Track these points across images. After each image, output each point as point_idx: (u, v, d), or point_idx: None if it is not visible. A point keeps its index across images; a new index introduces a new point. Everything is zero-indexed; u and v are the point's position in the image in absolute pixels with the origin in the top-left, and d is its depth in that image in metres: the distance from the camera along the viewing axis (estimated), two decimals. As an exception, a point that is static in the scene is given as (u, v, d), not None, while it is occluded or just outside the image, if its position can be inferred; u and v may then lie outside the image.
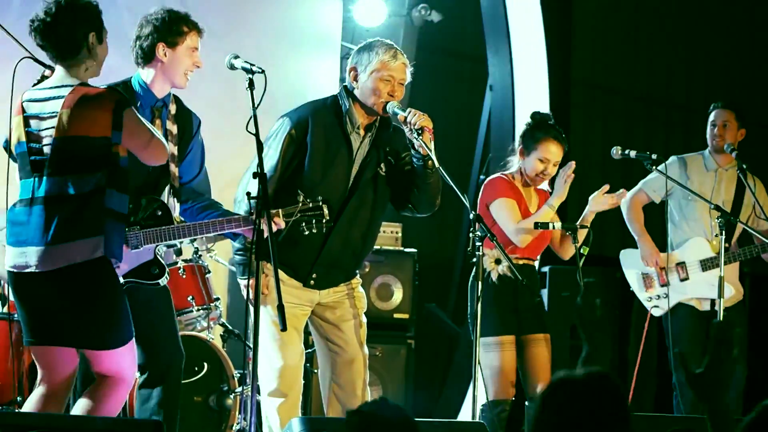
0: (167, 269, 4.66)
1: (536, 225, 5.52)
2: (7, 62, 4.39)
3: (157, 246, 4.57)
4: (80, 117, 4.20)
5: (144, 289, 4.59)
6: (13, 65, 4.34)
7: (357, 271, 5.00)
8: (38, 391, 4.36)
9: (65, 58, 4.31)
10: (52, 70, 4.40)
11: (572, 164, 5.58)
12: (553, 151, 5.63)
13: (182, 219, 4.94)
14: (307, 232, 4.56)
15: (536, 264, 5.87)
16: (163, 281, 4.63)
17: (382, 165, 4.87)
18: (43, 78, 4.40)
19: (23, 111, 4.29)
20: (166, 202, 4.66)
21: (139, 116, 4.32)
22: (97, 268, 4.22)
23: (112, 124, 4.20)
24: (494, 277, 5.62)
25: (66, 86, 4.27)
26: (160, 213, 4.60)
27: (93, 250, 4.19)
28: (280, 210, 4.52)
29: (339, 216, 4.78)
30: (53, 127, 4.22)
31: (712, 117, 6.44)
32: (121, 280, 4.57)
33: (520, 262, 5.68)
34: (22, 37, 4.54)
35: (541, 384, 5.64)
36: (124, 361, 4.32)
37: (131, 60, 4.72)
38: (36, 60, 4.47)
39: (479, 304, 4.76)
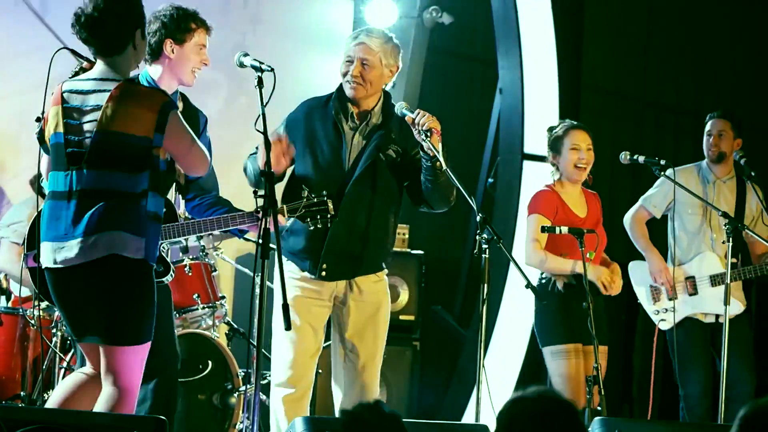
0: (172, 267, 4.65)
1: (543, 228, 5.53)
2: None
3: (161, 243, 4.55)
4: (124, 113, 4.10)
5: None
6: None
7: (383, 264, 4.95)
8: (84, 370, 4.31)
9: (110, 54, 4.21)
10: (91, 62, 4.30)
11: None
12: (580, 136, 5.77)
13: (188, 215, 4.94)
14: (312, 228, 4.60)
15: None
16: (167, 279, 4.62)
17: (390, 151, 4.87)
18: (82, 70, 4.29)
19: (63, 101, 4.18)
20: (171, 198, 4.64)
21: (184, 122, 4.21)
22: (140, 268, 4.13)
23: (155, 125, 4.10)
24: (560, 285, 5.65)
25: (111, 80, 4.16)
26: (164, 210, 4.58)
27: (137, 249, 4.10)
28: (284, 206, 4.53)
29: (338, 203, 4.75)
30: (95, 120, 4.11)
31: (708, 127, 6.41)
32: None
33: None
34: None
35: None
36: (133, 364, 4.16)
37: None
38: (74, 53, 4.35)
39: (484, 307, 4.71)
